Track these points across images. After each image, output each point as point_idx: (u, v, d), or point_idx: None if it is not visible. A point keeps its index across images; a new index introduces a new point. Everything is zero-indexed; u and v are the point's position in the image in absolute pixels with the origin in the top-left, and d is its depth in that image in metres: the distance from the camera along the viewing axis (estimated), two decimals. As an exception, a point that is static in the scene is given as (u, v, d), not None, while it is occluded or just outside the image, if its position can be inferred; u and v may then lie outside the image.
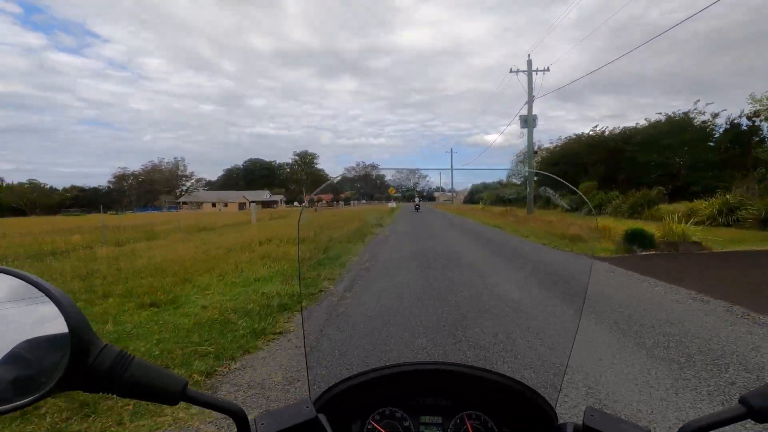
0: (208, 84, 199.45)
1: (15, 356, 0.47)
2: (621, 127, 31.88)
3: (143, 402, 0.52)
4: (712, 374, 3.31)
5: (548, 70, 29.20)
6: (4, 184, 77.70)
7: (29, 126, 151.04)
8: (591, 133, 33.45)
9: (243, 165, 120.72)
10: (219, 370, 3.52)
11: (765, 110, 21.59)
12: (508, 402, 0.80)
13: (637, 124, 30.21)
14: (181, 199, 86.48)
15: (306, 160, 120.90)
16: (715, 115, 26.38)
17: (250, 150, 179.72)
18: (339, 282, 7.05)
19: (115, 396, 0.51)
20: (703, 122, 26.38)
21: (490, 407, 0.81)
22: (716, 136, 26.36)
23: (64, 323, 0.47)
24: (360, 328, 4.52)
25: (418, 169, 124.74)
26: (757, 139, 23.57)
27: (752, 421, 0.52)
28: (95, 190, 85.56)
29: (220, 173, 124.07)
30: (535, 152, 27.89)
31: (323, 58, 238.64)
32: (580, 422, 0.63)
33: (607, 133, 32.81)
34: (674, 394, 2.99)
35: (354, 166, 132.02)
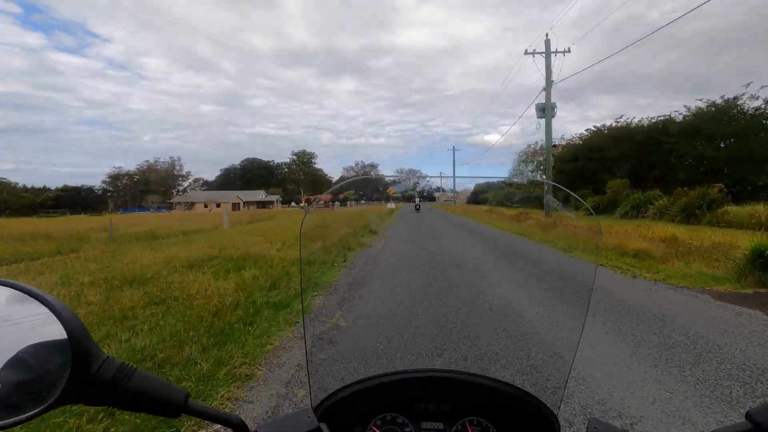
0: (208, 84, 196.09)
1: (20, 367, 0.46)
2: (648, 117, 27.51)
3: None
4: None
5: (569, 51, 24.90)
6: None
7: (29, 126, 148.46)
8: (614, 124, 29.05)
9: (240, 165, 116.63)
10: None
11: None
12: (509, 409, 0.79)
13: (671, 114, 25.84)
14: (174, 200, 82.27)
15: (304, 159, 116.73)
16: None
17: (249, 150, 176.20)
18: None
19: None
20: (756, 109, 22.01)
21: (491, 414, 0.80)
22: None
23: (65, 335, 0.47)
24: None
25: (417, 172, 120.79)
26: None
27: None
28: (78, 190, 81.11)
29: (218, 173, 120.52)
30: (555, 145, 23.41)
31: (323, 58, 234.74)
32: None
33: (633, 124, 28.37)
34: None
35: (353, 165, 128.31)
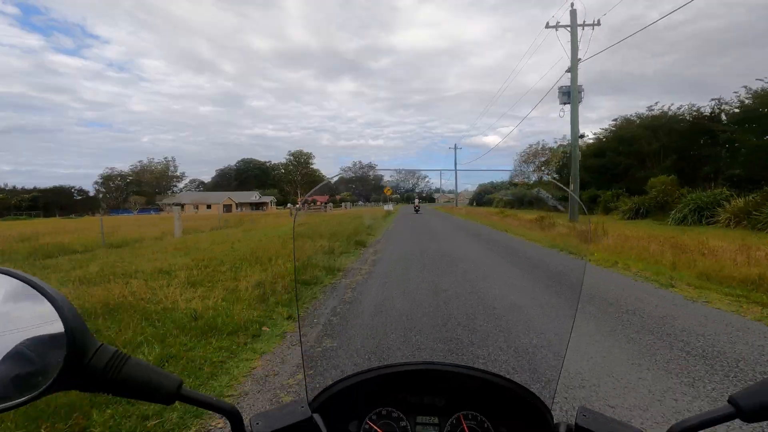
0: (207, 85, 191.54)
1: (16, 354, 0.46)
2: (690, 104, 22.82)
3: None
4: None
5: (598, 24, 20.37)
6: None
7: (28, 127, 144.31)
8: (647, 113, 24.32)
9: (235, 165, 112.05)
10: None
11: None
12: (504, 402, 0.78)
13: (719, 100, 20.94)
14: (163, 201, 77.58)
15: (300, 159, 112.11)
16: None
17: (249, 151, 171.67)
18: None
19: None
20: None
21: (486, 407, 0.79)
22: None
23: (61, 323, 0.47)
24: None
25: (417, 170, 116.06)
26: None
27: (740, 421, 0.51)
28: (57, 191, 76.27)
29: (213, 174, 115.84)
30: (582, 135, 18.82)
31: (323, 59, 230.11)
32: (573, 422, 0.62)
33: (671, 112, 23.61)
34: None
35: (350, 165, 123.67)
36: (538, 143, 79.65)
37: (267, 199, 79.26)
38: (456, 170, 55.99)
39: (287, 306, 4.97)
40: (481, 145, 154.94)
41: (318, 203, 66.59)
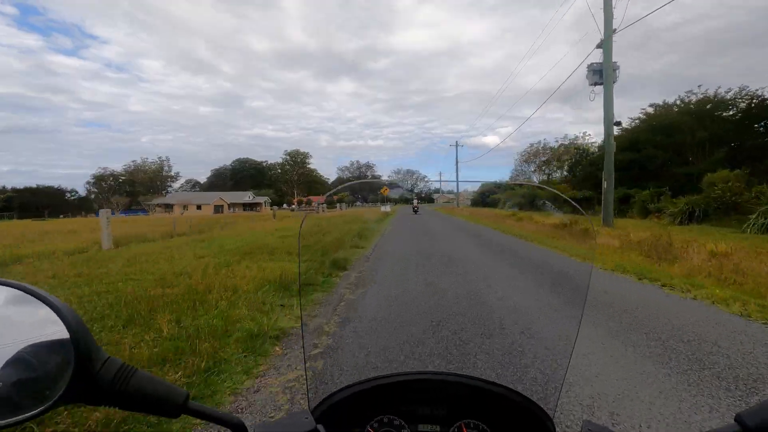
0: (206, 86, 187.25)
1: (22, 366, 0.45)
2: (741, 86, 18.91)
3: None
4: None
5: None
6: None
7: (26, 128, 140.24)
8: (690, 98, 20.29)
9: (231, 165, 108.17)
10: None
11: None
12: (506, 412, 0.77)
13: None
14: (153, 202, 73.62)
15: (297, 159, 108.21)
16: None
17: (248, 152, 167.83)
18: None
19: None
20: None
21: (487, 417, 0.78)
22: None
23: (66, 335, 0.46)
24: None
25: (416, 172, 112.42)
26: None
27: None
28: (32, 192, 72.24)
29: (204, 173, 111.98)
30: (617, 123, 14.91)
31: (322, 59, 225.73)
32: None
33: (717, 97, 19.57)
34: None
35: (347, 165, 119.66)
36: (539, 142, 76.35)
37: (261, 199, 75.34)
38: (457, 170, 52.27)
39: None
40: (480, 145, 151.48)
41: (313, 204, 62.85)
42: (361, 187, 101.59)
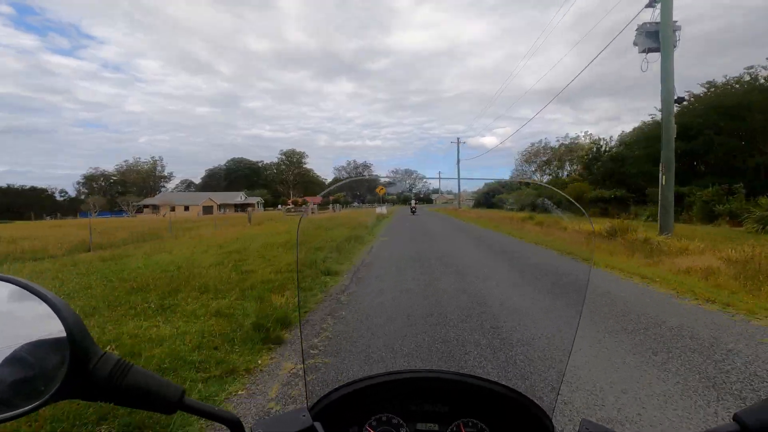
0: (204, 86, 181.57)
1: (18, 361, 0.45)
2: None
3: None
4: None
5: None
6: None
7: (23, 128, 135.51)
8: (759, 72, 15.99)
9: (225, 165, 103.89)
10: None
11: None
12: (504, 410, 0.76)
13: None
14: (143, 202, 69.39)
15: (293, 159, 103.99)
16: None
17: (246, 152, 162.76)
18: None
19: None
20: None
21: (486, 415, 0.76)
22: None
23: (63, 331, 0.45)
24: None
25: (414, 172, 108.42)
26: None
27: None
28: (17, 193, 68.01)
29: (200, 173, 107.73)
30: (681, 99, 10.59)
31: (320, 60, 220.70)
32: None
33: None
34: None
35: (344, 165, 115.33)
36: (540, 142, 72.27)
37: (253, 200, 71.16)
38: (458, 168, 48.28)
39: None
40: (478, 146, 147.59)
41: (304, 205, 58.80)
42: (357, 186, 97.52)
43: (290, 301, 5.01)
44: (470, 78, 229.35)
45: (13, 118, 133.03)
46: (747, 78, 16.58)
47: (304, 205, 41.58)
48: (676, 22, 12.33)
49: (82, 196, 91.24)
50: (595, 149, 30.37)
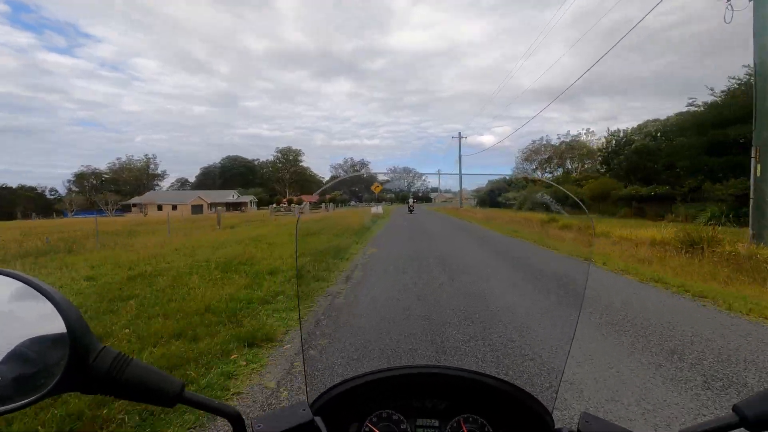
0: (201, 85, 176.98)
1: (18, 354, 0.45)
2: None
3: None
4: None
5: None
6: None
7: (20, 127, 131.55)
8: None
9: (220, 163, 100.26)
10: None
11: None
12: (505, 406, 0.75)
13: None
14: (132, 201, 65.72)
15: (289, 157, 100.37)
16: None
17: (244, 151, 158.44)
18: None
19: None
20: None
21: (486, 411, 0.76)
22: None
23: (63, 325, 0.45)
24: None
25: (412, 170, 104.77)
26: None
27: (745, 430, 0.49)
28: (4, 191, 64.30)
29: (197, 172, 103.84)
30: None
31: (318, 59, 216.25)
32: (576, 428, 0.59)
33: None
34: None
35: (341, 163, 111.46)
36: (541, 139, 67.86)
37: (246, 198, 67.55)
38: (460, 165, 44.78)
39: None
40: (476, 144, 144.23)
41: (305, 203, 55.43)
42: (354, 185, 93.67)
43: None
44: (468, 78, 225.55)
45: (11, 117, 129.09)
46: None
47: (292, 204, 37.84)
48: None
49: (73, 195, 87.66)
50: (614, 142, 26.93)
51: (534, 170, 69.98)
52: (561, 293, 5.44)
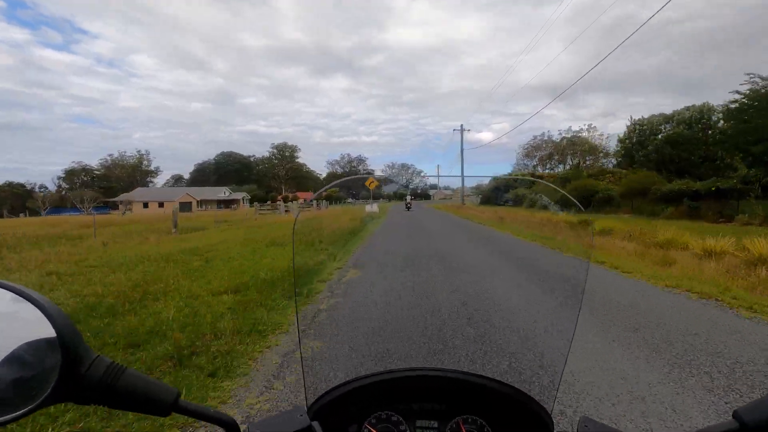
0: (199, 82, 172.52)
1: (8, 366, 0.43)
2: None
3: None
4: None
5: None
6: None
7: (16, 124, 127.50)
8: None
9: (214, 159, 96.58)
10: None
11: None
12: (504, 407, 0.73)
13: None
14: (119, 198, 62.16)
15: (285, 153, 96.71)
16: None
17: (241, 149, 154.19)
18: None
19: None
20: None
21: (486, 412, 0.74)
22: None
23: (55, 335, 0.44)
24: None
25: (411, 166, 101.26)
26: None
27: None
28: None
29: (192, 169, 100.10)
30: None
31: (316, 56, 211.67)
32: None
33: None
34: None
35: (338, 159, 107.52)
36: (542, 134, 65.04)
37: (238, 195, 64.03)
38: (462, 160, 41.42)
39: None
40: (474, 141, 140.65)
41: (299, 201, 52.28)
42: (351, 183, 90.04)
43: None
44: (466, 75, 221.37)
45: (7, 114, 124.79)
46: None
47: (277, 202, 34.30)
48: None
49: (63, 192, 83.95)
50: (638, 131, 23.50)
51: (535, 167, 68.05)
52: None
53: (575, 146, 65.06)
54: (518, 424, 0.70)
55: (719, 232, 9.12)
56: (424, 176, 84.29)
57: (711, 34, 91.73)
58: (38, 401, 0.42)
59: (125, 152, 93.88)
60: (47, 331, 0.43)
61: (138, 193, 60.36)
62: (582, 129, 65.02)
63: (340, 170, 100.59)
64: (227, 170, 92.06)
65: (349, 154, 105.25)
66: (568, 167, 59.88)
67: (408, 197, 38.41)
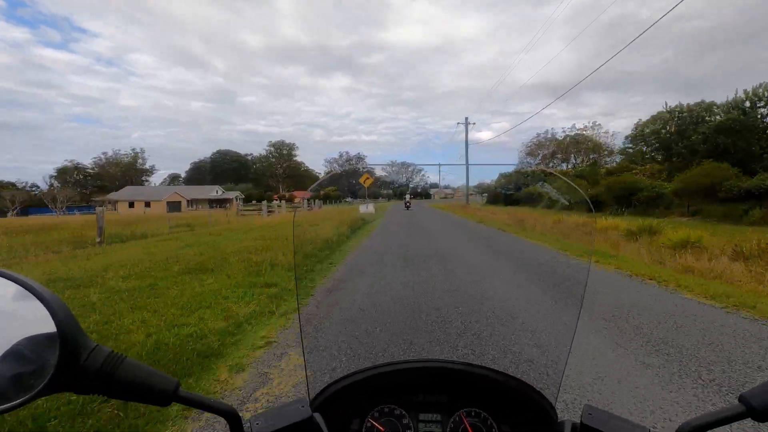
0: (198, 81, 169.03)
1: (8, 355, 0.43)
2: None
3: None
4: None
5: None
6: None
7: (15, 123, 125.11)
8: None
9: (210, 158, 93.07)
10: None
11: None
12: (507, 399, 0.72)
13: None
14: (108, 197, 58.64)
15: (282, 151, 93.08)
16: None
17: (240, 147, 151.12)
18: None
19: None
20: None
21: (489, 404, 0.73)
22: None
23: (54, 324, 0.43)
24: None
25: (411, 164, 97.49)
26: None
27: (752, 420, 0.47)
28: None
29: (188, 167, 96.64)
30: None
31: (315, 55, 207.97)
32: (579, 420, 0.57)
33: None
34: None
35: (336, 157, 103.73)
36: (546, 132, 62.59)
37: (231, 194, 60.46)
38: (467, 153, 37.79)
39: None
40: (474, 140, 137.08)
41: (298, 200, 49.06)
42: (350, 178, 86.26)
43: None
44: (466, 74, 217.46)
45: (6, 113, 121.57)
46: None
47: (263, 201, 30.99)
48: None
49: (55, 191, 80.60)
50: (676, 119, 19.89)
51: (537, 164, 65.44)
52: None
53: (579, 144, 62.79)
54: (522, 416, 0.68)
55: None
56: (424, 175, 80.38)
57: (711, 33, 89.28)
58: (36, 390, 0.41)
59: (119, 151, 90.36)
60: (44, 319, 0.42)
61: (126, 192, 56.82)
62: (586, 126, 62.77)
63: (338, 168, 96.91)
64: (224, 169, 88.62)
65: (347, 152, 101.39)
66: (571, 165, 57.39)
67: (407, 196, 36.38)
